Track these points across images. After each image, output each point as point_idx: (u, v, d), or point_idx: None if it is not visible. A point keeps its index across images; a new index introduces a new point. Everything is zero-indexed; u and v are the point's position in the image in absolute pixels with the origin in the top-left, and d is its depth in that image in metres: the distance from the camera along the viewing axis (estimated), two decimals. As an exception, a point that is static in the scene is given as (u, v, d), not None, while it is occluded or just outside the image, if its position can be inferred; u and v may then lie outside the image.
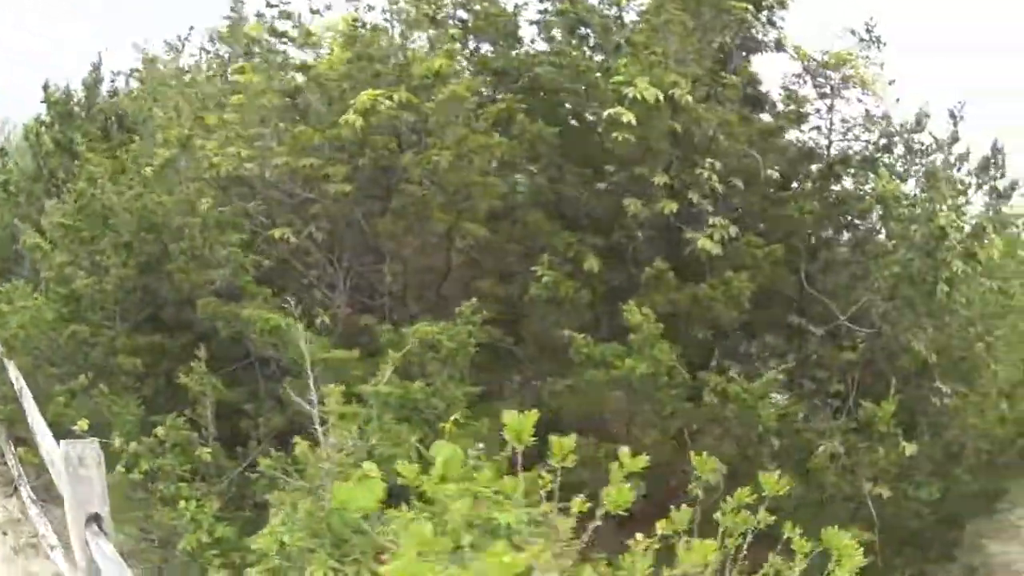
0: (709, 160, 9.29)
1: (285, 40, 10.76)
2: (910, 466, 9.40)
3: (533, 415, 3.34)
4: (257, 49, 10.80)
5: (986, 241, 9.74)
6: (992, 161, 13.07)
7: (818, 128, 10.52)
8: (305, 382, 7.60)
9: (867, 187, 10.21)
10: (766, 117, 10.57)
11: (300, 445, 6.66)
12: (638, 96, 8.92)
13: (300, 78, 10.54)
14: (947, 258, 9.24)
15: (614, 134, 8.98)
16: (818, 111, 10.59)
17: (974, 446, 9.72)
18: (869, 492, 9.00)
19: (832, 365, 9.83)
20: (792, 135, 10.77)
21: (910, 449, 9.08)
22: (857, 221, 10.50)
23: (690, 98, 9.17)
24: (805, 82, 10.57)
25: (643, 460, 3.63)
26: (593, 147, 9.89)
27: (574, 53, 10.22)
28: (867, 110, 10.48)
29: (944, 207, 9.51)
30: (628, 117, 8.93)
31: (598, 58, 10.58)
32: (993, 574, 11.16)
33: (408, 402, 8.25)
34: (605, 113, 9.10)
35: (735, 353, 10.11)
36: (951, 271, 9.25)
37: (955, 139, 11.84)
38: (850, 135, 10.50)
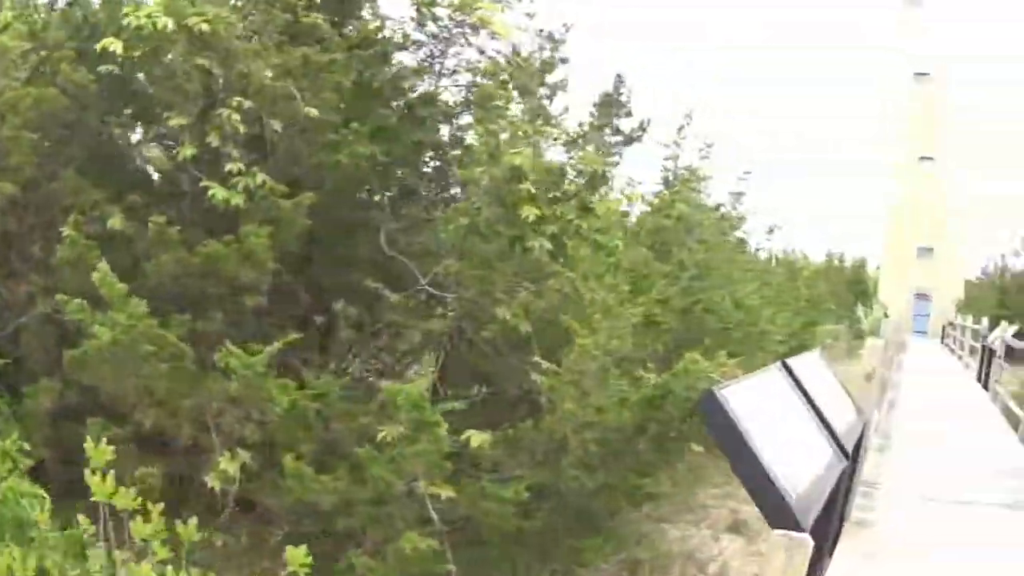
0: (237, 99, 8.01)
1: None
2: (496, 459, 7.89)
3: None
4: None
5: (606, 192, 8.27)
6: (615, 98, 11.34)
7: (421, 72, 9.22)
8: None
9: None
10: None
11: None
12: (134, 23, 7.74)
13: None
14: (522, 206, 7.76)
15: (101, 67, 7.82)
16: (432, 55, 9.42)
17: (578, 436, 7.84)
18: (425, 491, 7.39)
19: (413, 336, 8.40)
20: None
21: (478, 439, 7.57)
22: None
23: (207, 28, 7.89)
24: (424, 24, 9.34)
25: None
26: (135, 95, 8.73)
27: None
28: (491, 56, 9.20)
29: (526, 146, 8.02)
30: (116, 46, 7.82)
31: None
32: (671, 565, 9.68)
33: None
34: (98, 47, 7.92)
35: (303, 325, 8.69)
36: (526, 221, 7.76)
37: (548, 69, 10.20)
38: (462, 79, 9.17)
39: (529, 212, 7.74)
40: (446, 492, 7.37)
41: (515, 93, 9.29)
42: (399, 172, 8.89)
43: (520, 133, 8.11)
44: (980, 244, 52.60)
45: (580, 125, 10.53)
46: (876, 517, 7.89)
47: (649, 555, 9.63)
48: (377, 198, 8.72)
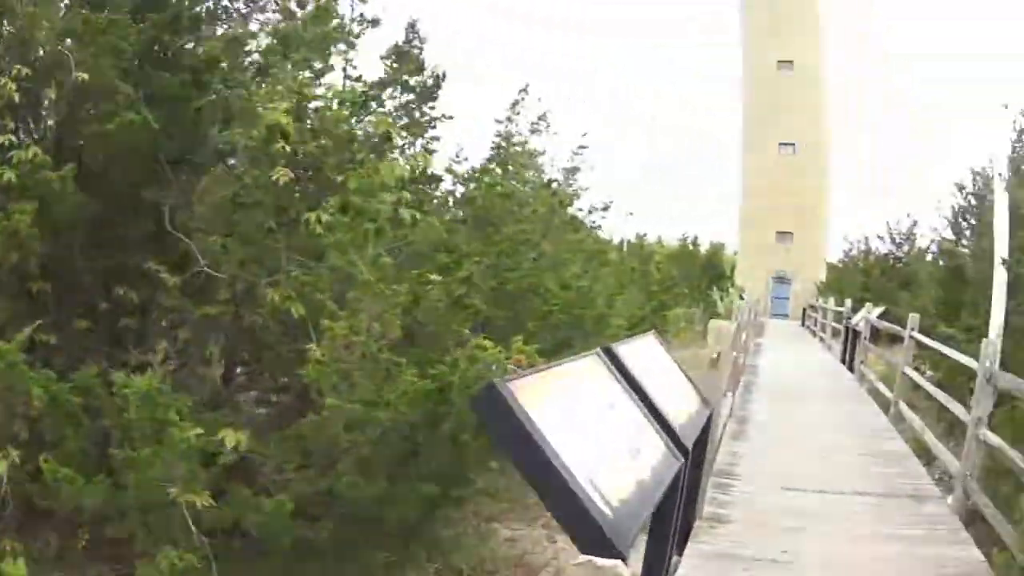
0: (17, 66, 7.59)
1: None
2: (280, 463, 7.32)
3: None
4: None
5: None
6: (406, 51, 10.70)
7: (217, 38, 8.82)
8: None
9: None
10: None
11: None
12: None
13: None
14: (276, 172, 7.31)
15: None
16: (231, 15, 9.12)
17: (350, 436, 7.09)
18: (179, 498, 6.52)
19: (191, 322, 7.96)
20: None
21: (233, 439, 6.81)
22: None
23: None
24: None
25: None
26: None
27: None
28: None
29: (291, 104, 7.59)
30: None
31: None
32: (497, 571, 8.99)
33: None
34: None
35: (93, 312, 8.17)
36: (287, 187, 7.31)
37: (323, 20, 9.56)
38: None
39: (281, 175, 7.32)
40: (202, 500, 6.58)
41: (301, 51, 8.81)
42: (183, 142, 8.40)
43: (288, 91, 7.64)
44: (840, 228, 54.25)
45: (366, 84, 9.84)
46: (730, 512, 7.70)
47: (471, 561, 8.86)
48: (159, 171, 8.22)
